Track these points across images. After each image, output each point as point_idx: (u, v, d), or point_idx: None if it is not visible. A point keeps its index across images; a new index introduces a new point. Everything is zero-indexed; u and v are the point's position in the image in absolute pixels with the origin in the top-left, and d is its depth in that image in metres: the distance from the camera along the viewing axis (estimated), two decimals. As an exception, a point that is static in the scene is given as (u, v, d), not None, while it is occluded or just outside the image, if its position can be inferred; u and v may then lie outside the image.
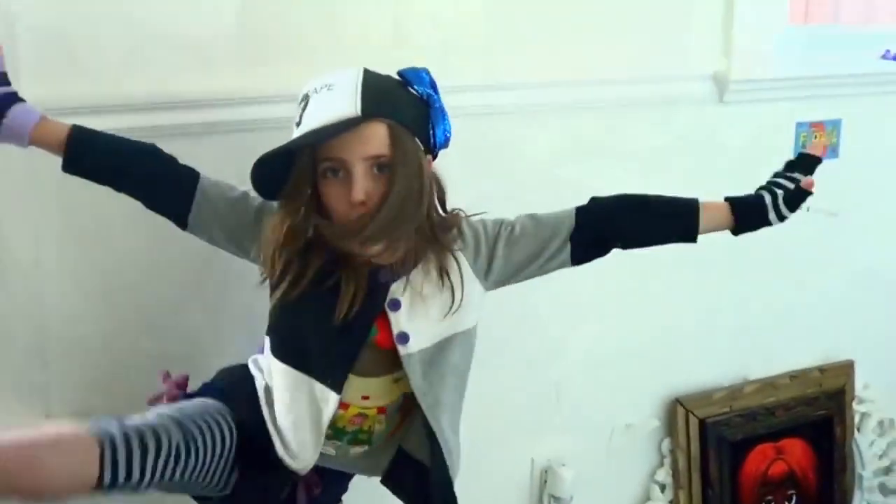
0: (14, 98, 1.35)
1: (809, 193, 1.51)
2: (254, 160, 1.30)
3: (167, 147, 1.43)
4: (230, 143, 1.59)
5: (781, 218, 1.51)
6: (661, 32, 2.05)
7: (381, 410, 1.43)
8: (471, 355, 1.46)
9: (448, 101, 1.38)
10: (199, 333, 1.72)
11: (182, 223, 1.40)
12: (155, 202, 1.41)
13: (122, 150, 1.38)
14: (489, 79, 1.85)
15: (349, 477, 1.56)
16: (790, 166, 1.56)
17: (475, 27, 1.85)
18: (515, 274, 1.47)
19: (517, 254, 1.46)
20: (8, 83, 1.35)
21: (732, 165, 2.11)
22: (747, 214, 1.50)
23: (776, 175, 1.55)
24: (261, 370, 1.46)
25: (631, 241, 1.52)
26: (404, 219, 1.31)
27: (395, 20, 1.75)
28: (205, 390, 1.45)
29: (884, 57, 2.31)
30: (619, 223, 1.50)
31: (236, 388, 1.46)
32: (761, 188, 1.54)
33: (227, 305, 1.73)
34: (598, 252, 1.50)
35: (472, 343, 1.45)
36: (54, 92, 1.49)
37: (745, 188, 1.56)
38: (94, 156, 1.37)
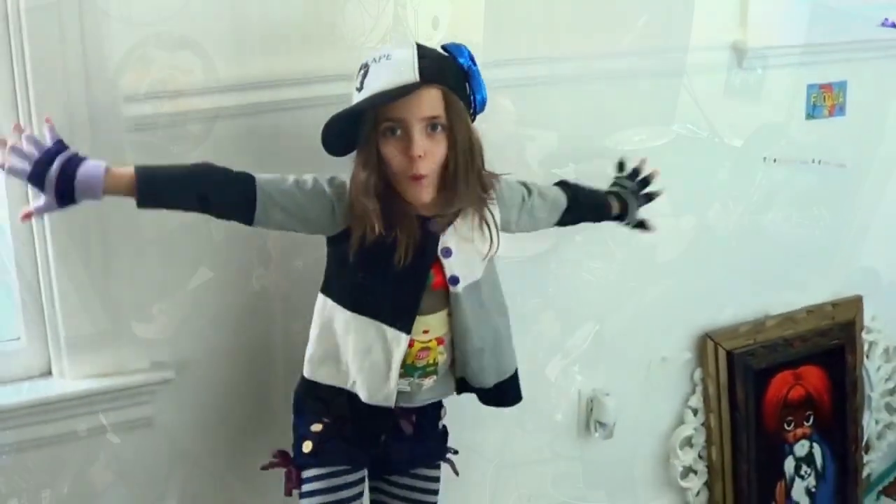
0: (77, 160, 1.36)
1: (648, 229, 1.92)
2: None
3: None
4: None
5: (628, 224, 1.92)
6: (682, 6, 2.11)
7: (439, 341, 1.55)
8: (497, 282, 1.62)
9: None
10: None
11: (248, 222, 1.47)
12: (222, 213, 1.47)
13: (182, 178, 1.43)
14: (490, 60, 1.75)
15: None
16: (633, 184, 1.93)
17: (475, 26, 1.87)
18: (516, 232, 1.69)
19: (526, 223, 1.70)
20: (66, 147, 1.37)
21: (752, 122, 2.27)
22: (624, 216, 1.89)
23: (630, 187, 1.91)
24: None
25: (584, 221, 1.85)
26: (465, 168, 1.47)
27: (394, 19, 1.77)
28: (299, 454, 1.59)
29: (883, 24, 2.34)
30: (584, 210, 1.81)
31: (312, 399, 1.61)
32: (630, 195, 1.89)
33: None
34: (567, 225, 1.81)
35: (496, 272, 1.62)
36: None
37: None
38: (160, 190, 1.41)
